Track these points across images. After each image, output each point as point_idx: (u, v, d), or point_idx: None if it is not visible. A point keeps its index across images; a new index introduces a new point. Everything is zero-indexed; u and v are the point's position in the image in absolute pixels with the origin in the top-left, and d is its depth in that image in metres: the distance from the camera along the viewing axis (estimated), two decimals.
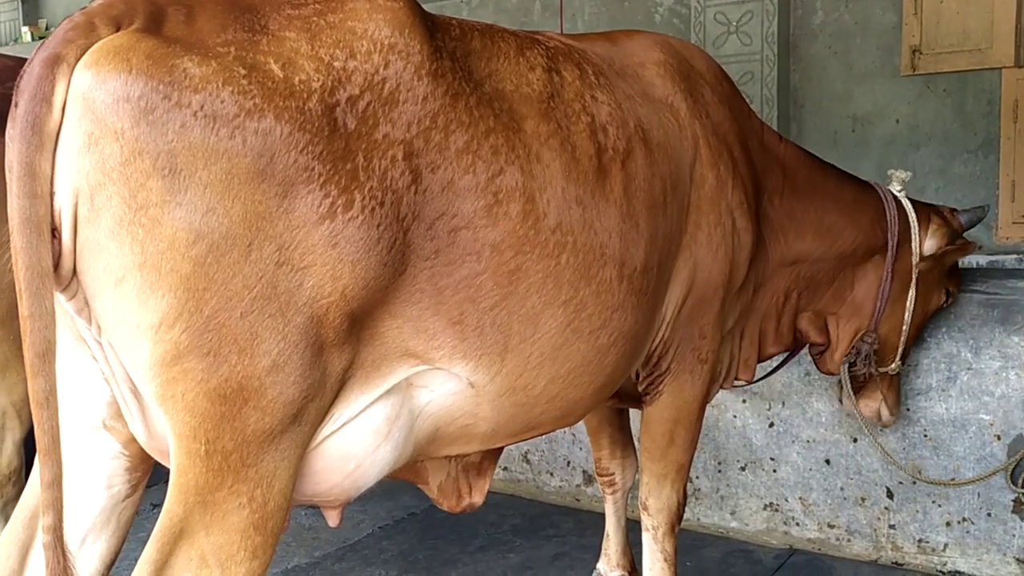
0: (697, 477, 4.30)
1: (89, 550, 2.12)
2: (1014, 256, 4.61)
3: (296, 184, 1.76)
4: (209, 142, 1.69)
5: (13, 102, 1.74)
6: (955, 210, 3.48)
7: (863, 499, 3.87)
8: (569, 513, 4.71)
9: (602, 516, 3.56)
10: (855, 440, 3.87)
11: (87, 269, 1.75)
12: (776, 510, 4.09)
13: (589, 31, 7.49)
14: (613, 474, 3.56)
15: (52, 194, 1.72)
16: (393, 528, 4.58)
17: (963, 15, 6.14)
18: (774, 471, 4.07)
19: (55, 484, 1.82)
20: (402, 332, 2.01)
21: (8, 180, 1.68)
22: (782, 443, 4.05)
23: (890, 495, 3.82)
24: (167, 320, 1.72)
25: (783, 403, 4.03)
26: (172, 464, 1.82)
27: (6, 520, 3.55)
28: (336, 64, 1.84)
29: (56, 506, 1.86)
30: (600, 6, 7.66)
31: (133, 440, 2.09)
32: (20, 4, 11.83)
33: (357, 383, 2.02)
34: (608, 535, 3.56)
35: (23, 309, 1.72)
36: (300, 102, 1.78)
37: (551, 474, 4.78)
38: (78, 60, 1.70)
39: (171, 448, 1.82)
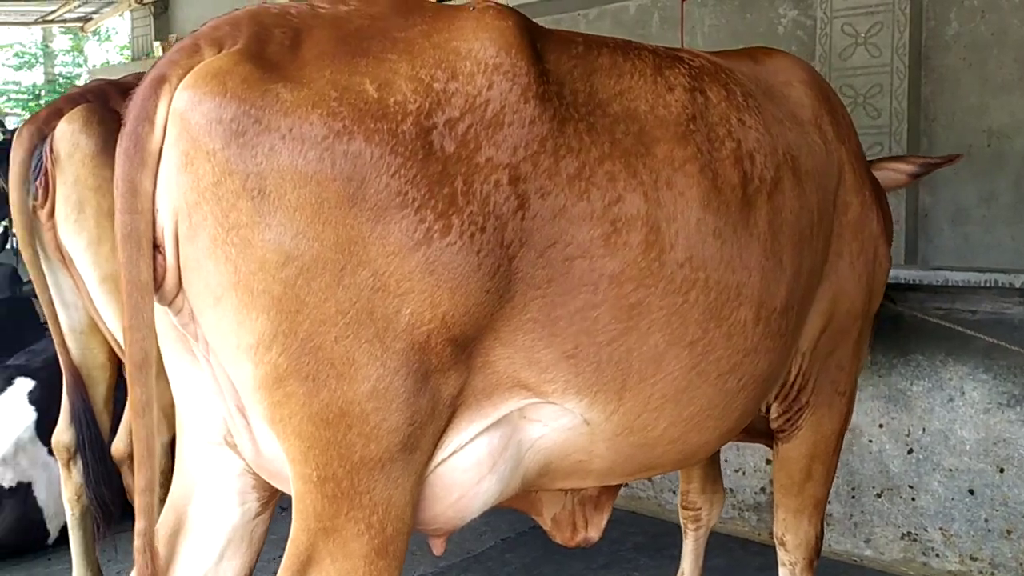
0: (829, 502, 4.18)
1: (226, 566, 2.15)
2: None
3: (389, 209, 1.72)
4: (297, 165, 1.68)
5: (123, 121, 1.80)
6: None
7: (1009, 532, 3.71)
8: None
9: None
10: (1001, 470, 3.72)
11: (190, 286, 1.77)
12: (914, 540, 3.95)
13: (709, 44, 7.40)
14: (699, 509, 3.46)
15: (155, 211, 1.77)
16: (516, 541, 4.58)
17: None
18: (913, 499, 3.94)
19: (148, 490, 1.90)
20: (513, 362, 1.94)
21: (115, 196, 1.75)
22: (922, 471, 3.91)
23: None
24: (264, 341, 1.72)
25: (923, 429, 3.89)
26: (292, 490, 1.83)
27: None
28: (436, 85, 1.80)
29: (148, 511, 1.93)
30: (720, 18, 7.55)
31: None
32: (152, 20, 12.27)
33: (467, 411, 1.97)
34: (683, 572, 3.48)
35: (124, 320, 1.77)
36: (393, 124, 1.74)
37: (673, 492, 4.72)
38: (180, 81, 1.74)
39: (288, 472, 1.83)
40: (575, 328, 1.95)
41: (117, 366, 3.75)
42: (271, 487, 2.14)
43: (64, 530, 4.58)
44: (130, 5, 12.33)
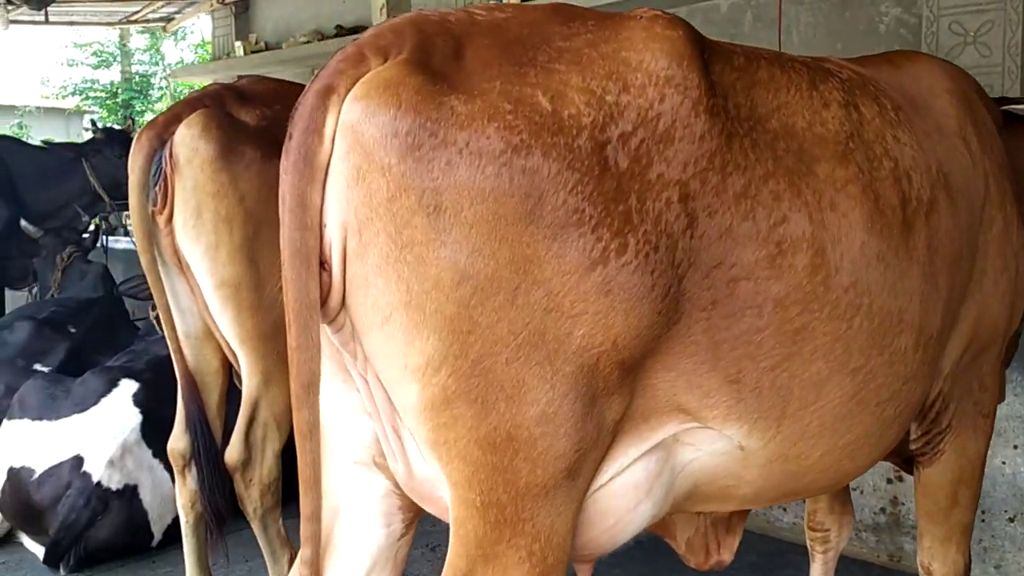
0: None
1: None
2: None
3: (566, 227, 1.67)
4: (475, 181, 1.63)
5: (288, 133, 1.76)
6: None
7: None
8: (803, 552, 4.48)
9: (842, 559, 3.35)
10: None
11: (356, 304, 1.74)
12: None
13: (806, 43, 7.20)
14: (828, 530, 3.32)
15: (322, 226, 1.73)
16: (624, 556, 4.47)
17: None
18: None
19: (314, 517, 1.85)
20: (674, 386, 1.89)
21: (280, 211, 1.72)
22: None
23: None
24: (433, 362, 1.68)
25: None
26: (451, 515, 1.80)
27: (265, 530, 3.65)
28: (608, 98, 1.75)
29: (314, 540, 1.89)
30: (817, 15, 7.35)
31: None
32: (233, 20, 12.38)
33: (626, 436, 1.91)
34: None
35: (291, 340, 1.73)
36: (569, 138, 1.69)
37: (784, 509, 4.57)
38: (348, 91, 1.69)
39: (449, 498, 1.79)
40: (738, 352, 1.90)
41: (228, 373, 3.73)
42: (415, 509, 2.11)
43: (168, 532, 4.61)
44: (212, 5, 12.46)
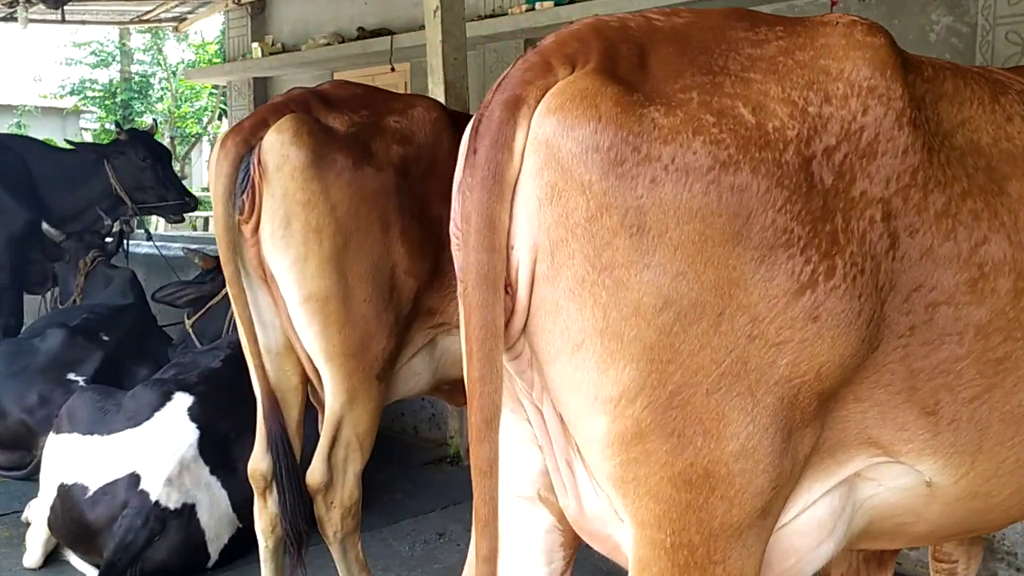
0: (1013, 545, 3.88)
1: None
2: None
3: (775, 248, 1.58)
4: (681, 199, 1.53)
5: (470, 148, 1.65)
6: None
7: None
8: None
9: None
10: None
11: (541, 331, 1.65)
12: None
13: None
14: (956, 562, 3.16)
15: (509, 248, 1.63)
16: None
17: None
18: None
19: (491, 559, 1.73)
20: (866, 418, 1.79)
21: (464, 232, 1.62)
22: None
23: None
24: (628, 394, 1.59)
25: None
26: (632, 556, 1.71)
27: (345, 554, 3.48)
28: (811, 109, 1.64)
29: None
30: None
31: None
32: (249, 20, 12.19)
33: (813, 471, 1.80)
34: None
35: (472, 371, 1.62)
36: (776, 153, 1.59)
37: None
38: (538, 103, 1.60)
39: (631, 537, 1.70)
40: (936, 383, 1.79)
41: (307, 391, 3.56)
42: (575, 545, 2.03)
43: (224, 552, 4.42)
44: (227, 5, 12.27)
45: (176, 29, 13.59)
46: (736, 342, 1.58)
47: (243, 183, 3.25)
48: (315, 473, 3.40)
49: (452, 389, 4.06)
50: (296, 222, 3.23)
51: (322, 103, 3.45)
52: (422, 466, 5.73)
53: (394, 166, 3.41)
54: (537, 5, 8.81)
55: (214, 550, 4.38)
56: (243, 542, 4.52)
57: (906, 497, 1.93)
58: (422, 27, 10.19)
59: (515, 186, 1.61)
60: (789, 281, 1.58)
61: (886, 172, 1.69)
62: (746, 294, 1.57)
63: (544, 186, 1.58)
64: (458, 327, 3.63)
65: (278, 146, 3.21)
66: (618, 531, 1.79)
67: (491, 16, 9.03)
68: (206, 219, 19.00)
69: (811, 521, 1.86)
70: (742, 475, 1.63)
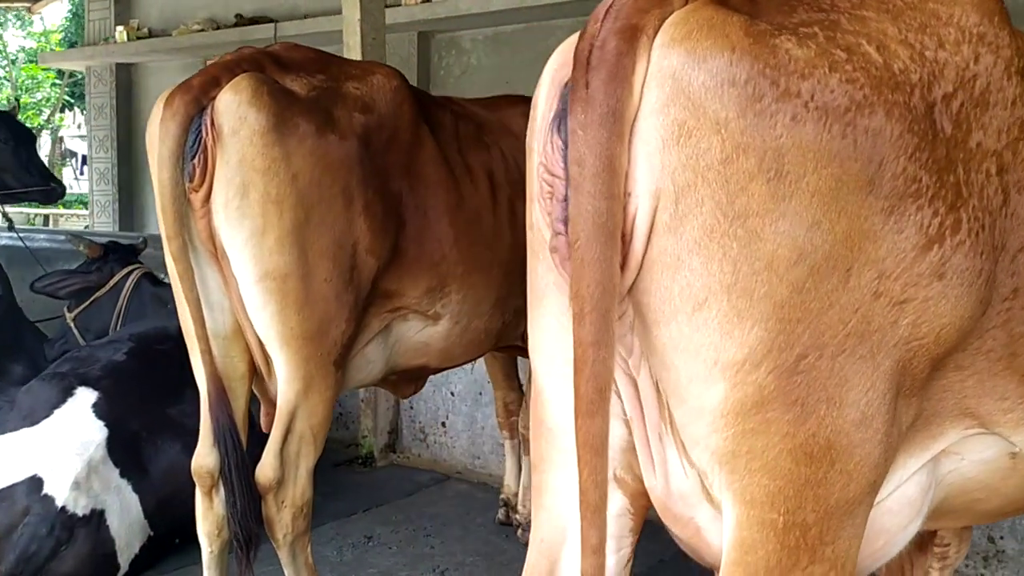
0: (1002, 538, 3.93)
1: None
2: None
3: (904, 198, 1.47)
4: (821, 141, 1.41)
5: (579, 82, 1.47)
6: None
7: None
8: None
9: None
10: None
11: (655, 289, 1.50)
12: None
13: None
14: (948, 545, 3.16)
15: (625, 195, 1.47)
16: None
17: None
18: None
19: (600, 549, 1.57)
20: (964, 387, 1.69)
21: (576, 176, 1.46)
22: None
23: None
24: (754, 357, 1.46)
25: None
26: (731, 539, 1.57)
27: (294, 558, 3.18)
28: (927, 54, 1.54)
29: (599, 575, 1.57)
30: None
31: (641, 495, 1.78)
32: (112, 3, 11.49)
33: (909, 446, 1.71)
34: None
35: (585, 335, 1.46)
36: (905, 96, 1.48)
37: None
38: (656, 33, 1.46)
39: (733, 519, 1.56)
40: None
41: (252, 379, 3.25)
42: (639, 531, 1.86)
43: (135, 563, 4.03)
44: None
45: (30, 11, 12.69)
46: (862, 299, 1.47)
47: (193, 147, 2.92)
48: (266, 469, 3.10)
49: (399, 380, 3.82)
50: (254, 191, 2.93)
51: (276, 64, 3.16)
52: (333, 468, 5.42)
53: (356, 135, 3.15)
54: None
55: (124, 560, 3.98)
56: (154, 551, 4.15)
57: (986, 471, 1.84)
58: (305, 16, 9.98)
59: (632, 125, 1.45)
60: (918, 234, 1.48)
61: (997, 123, 1.60)
62: (875, 247, 1.46)
63: (670, 124, 1.43)
64: (415, 312, 3.44)
65: (235, 107, 2.90)
66: (702, 513, 1.66)
67: (385, 7, 8.75)
68: (46, 217, 17.86)
69: (902, 499, 1.76)
70: (862, 446, 1.51)
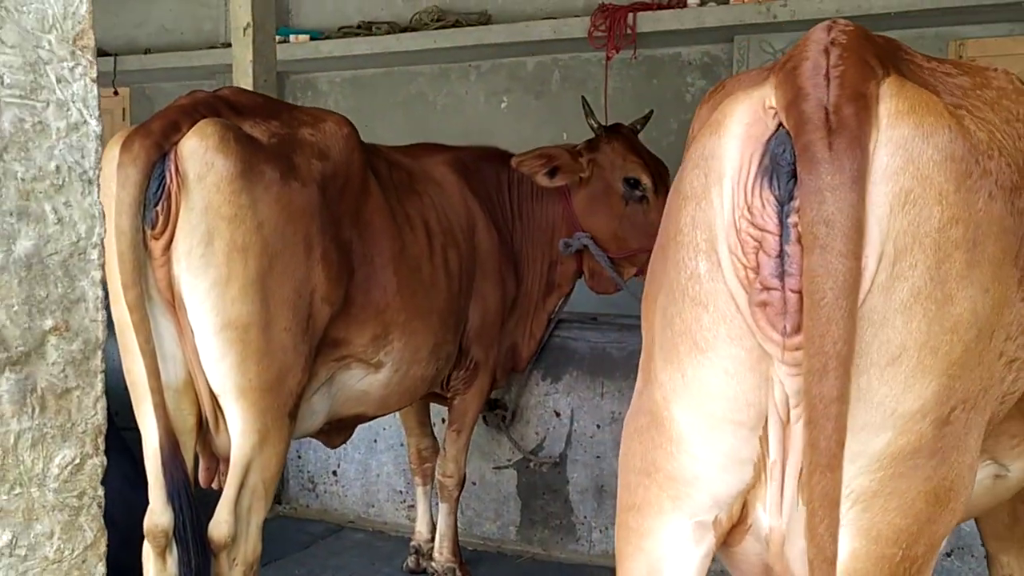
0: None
1: None
2: None
3: None
4: (1003, 216, 1.57)
5: (820, 143, 1.51)
6: None
7: None
8: None
9: None
10: None
11: (856, 342, 1.55)
12: None
13: (612, 106, 7.48)
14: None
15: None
16: None
17: None
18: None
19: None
20: (989, 429, 1.85)
21: (825, 236, 1.49)
22: None
23: None
24: (926, 408, 1.58)
25: None
26: (842, 570, 1.64)
27: None
28: (1018, 143, 1.73)
29: None
30: (625, 81, 7.70)
31: (722, 537, 1.87)
32: None
33: None
34: None
35: (829, 390, 1.50)
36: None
37: None
38: (878, 102, 1.55)
39: (848, 551, 1.64)
40: None
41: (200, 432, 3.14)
42: None
43: None
44: None
45: None
46: (994, 359, 1.63)
47: (157, 193, 2.82)
48: (221, 525, 2.99)
49: (331, 429, 3.77)
50: (219, 239, 2.86)
51: (231, 109, 3.10)
52: None
53: (316, 182, 3.14)
54: (291, 38, 8.53)
55: None
56: None
57: (976, 490, 2.05)
58: (146, 50, 9.63)
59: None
60: None
61: None
62: (1008, 312, 1.63)
63: (899, 191, 1.52)
64: (359, 360, 3.42)
65: (202, 152, 2.84)
66: (795, 542, 1.75)
67: None
68: None
69: None
70: (964, 489, 1.68)
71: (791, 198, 1.55)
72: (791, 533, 1.75)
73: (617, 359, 4.85)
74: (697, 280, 1.68)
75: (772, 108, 1.61)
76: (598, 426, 4.87)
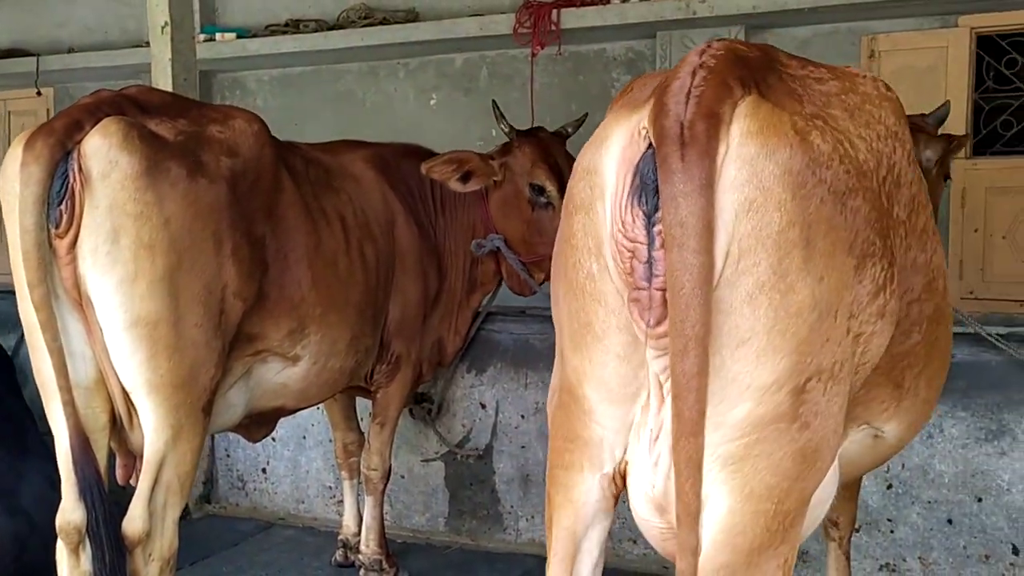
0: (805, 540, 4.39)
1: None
2: None
3: (866, 257, 1.89)
4: (832, 216, 1.79)
5: (673, 155, 1.73)
6: (923, 114, 4.22)
7: (987, 556, 4.10)
8: None
9: None
10: (980, 500, 4.11)
11: (715, 328, 1.78)
12: (893, 571, 4.24)
13: (540, 101, 7.56)
14: (838, 519, 3.53)
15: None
16: None
17: None
18: (891, 532, 4.24)
19: (697, 552, 1.85)
20: (858, 395, 2.10)
21: (679, 235, 1.72)
22: (901, 504, 4.22)
23: (1015, 552, 4.07)
24: (779, 382, 1.79)
25: (902, 465, 4.22)
26: (720, 524, 1.87)
27: None
28: (874, 145, 1.98)
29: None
30: (552, 77, 7.78)
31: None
32: None
33: None
34: None
35: (691, 366, 1.75)
36: (869, 181, 1.92)
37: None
38: (730, 120, 1.76)
39: (726, 507, 1.86)
40: (904, 363, 2.22)
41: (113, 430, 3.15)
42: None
43: None
44: None
45: None
46: (842, 335, 1.85)
47: (60, 192, 2.83)
48: (135, 521, 2.99)
49: (252, 423, 3.79)
50: (125, 236, 2.87)
51: (137, 108, 3.11)
52: None
53: (225, 179, 3.15)
54: (218, 36, 8.49)
55: None
56: None
57: (858, 449, 2.33)
58: (70, 50, 9.51)
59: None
60: (872, 284, 1.91)
61: (905, 200, 2.07)
62: (848, 294, 1.85)
63: (743, 200, 1.74)
64: (275, 354, 3.45)
65: (105, 150, 2.85)
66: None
67: None
68: None
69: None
70: (830, 450, 1.90)
71: (656, 210, 1.78)
72: (669, 492, 1.95)
73: (540, 350, 4.93)
74: (592, 279, 1.93)
75: (644, 129, 1.82)
76: (523, 416, 4.95)
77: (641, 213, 1.80)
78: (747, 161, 1.73)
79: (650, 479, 1.99)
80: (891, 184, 1.99)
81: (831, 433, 1.87)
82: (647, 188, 1.79)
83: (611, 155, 1.88)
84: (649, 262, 1.80)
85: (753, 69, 1.88)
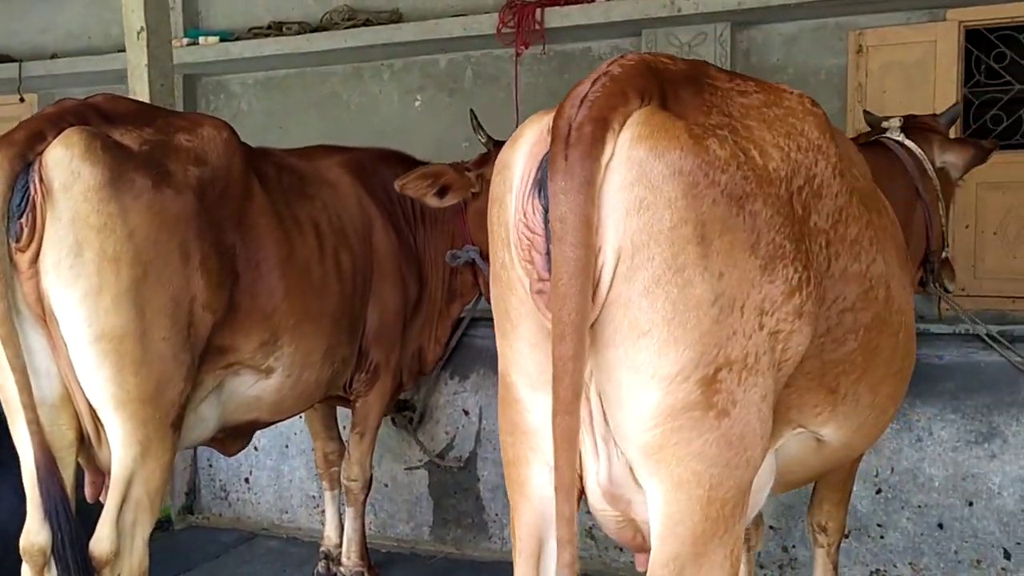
0: (794, 546, 4.32)
1: None
2: None
3: (774, 259, 1.94)
4: (727, 216, 1.87)
5: (559, 155, 1.81)
6: (935, 115, 4.22)
7: (978, 561, 4.04)
8: None
9: None
10: (971, 504, 4.05)
11: (610, 321, 1.88)
12: None
13: (526, 100, 7.50)
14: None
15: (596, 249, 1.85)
16: None
17: None
18: (881, 537, 4.18)
19: (572, 519, 1.91)
20: (789, 398, 2.17)
21: (559, 230, 1.81)
22: (890, 509, 4.16)
23: (1007, 556, 4.01)
24: (684, 372, 1.86)
25: (891, 469, 4.15)
26: (662, 513, 1.94)
27: None
28: (791, 155, 2.04)
29: (573, 543, 1.92)
30: (537, 76, 7.72)
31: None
32: None
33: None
34: None
35: (566, 351, 1.82)
36: (776, 188, 1.97)
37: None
38: (621, 127, 1.84)
39: (660, 497, 1.93)
40: (838, 369, 2.26)
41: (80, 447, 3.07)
42: None
43: None
44: None
45: None
46: (752, 330, 1.92)
47: (21, 205, 2.76)
48: (103, 541, 2.93)
49: (226, 436, 3.72)
50: (89, 249, 2.80)
51: (101, 117, 3.04)
52: None
53: (192, 189, 3.08)
54: (201, 40, 8.40)
55: None
56: None
57: (800, 452, 2.38)
58: (53, 55, 9.42)
59: (600, 195, 1.84)
60: (784, 284, 1.96)
61: (827, 210, 2.13)
62: (756, 292, 1.92)
63: (633, 199, 1.82)
64: (248, 367, 3.38)
65: (67, 162, 2.78)
66: (632, 494, 2.04)
67: None
68: None
69: (758, 482, 2.16)
70: (757, 439, 1.95)
71: None
72: (615, 480, 2.02)
73: None
74: (505, 268, 2.02)
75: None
76: None
77: (540, 207, 1.89)
78: (636, 163, 1.81)
79: (594, 468, 2.04)
80: (808, 194, 2.05)
81: (756, 421, 1.93)
82: (546, 183, 1.86)
83: (521, 151, 1.97)
84: (548, 254, 1.86)
85: (664, 81, 1.95)
